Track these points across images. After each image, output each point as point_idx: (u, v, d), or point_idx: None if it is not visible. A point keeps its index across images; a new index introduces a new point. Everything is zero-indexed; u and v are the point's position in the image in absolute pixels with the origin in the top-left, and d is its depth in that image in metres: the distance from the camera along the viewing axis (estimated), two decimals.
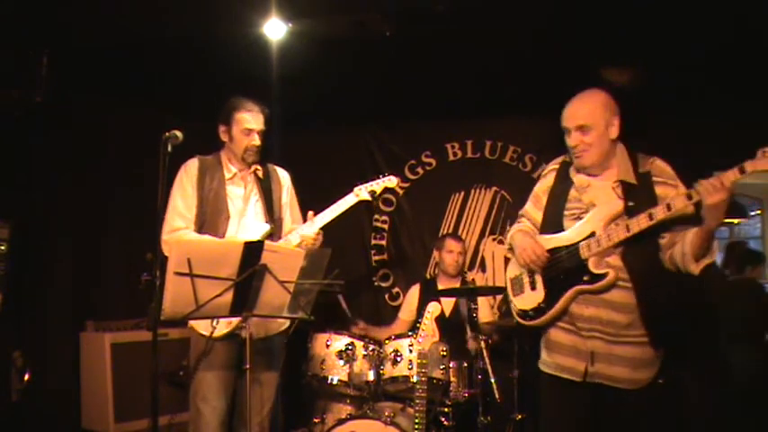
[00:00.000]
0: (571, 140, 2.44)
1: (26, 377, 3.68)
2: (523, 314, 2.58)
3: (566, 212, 2.49)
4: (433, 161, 5.13)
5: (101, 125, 4.34)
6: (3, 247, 3.67)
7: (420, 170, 5.15)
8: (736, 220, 8.51)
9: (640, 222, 2.26)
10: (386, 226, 5.20)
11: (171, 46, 3.63)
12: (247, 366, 2.61)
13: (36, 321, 3.97)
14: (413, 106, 4.78)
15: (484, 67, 4.11)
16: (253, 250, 2.46)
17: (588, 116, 2.40)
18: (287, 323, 3.09)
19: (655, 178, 2.37)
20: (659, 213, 2.24)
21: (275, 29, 3.48)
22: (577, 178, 2.49)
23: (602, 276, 2.33)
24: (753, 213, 9.42)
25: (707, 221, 2.20)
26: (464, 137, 5.05)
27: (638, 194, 2.34)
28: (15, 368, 3.68)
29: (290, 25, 3.46)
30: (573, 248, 2.40)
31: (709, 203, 2.16)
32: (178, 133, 2.60)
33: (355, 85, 4.37)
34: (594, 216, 2.38)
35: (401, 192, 5.13)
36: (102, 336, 4.03)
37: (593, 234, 2.36)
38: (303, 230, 3.01)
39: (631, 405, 2.33)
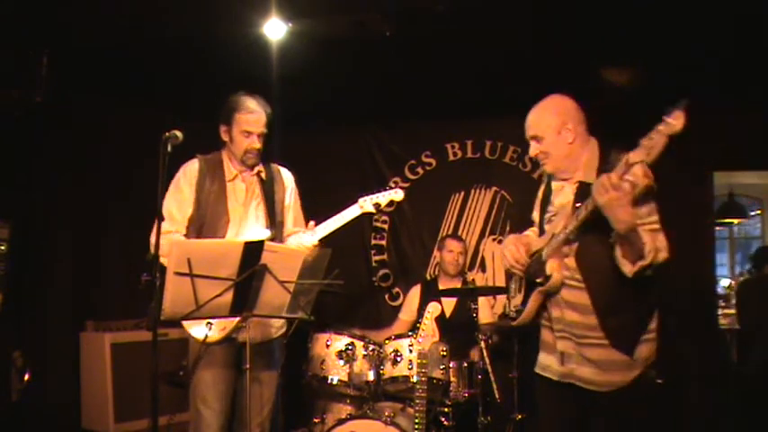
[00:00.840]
0: (530, 151, 2.48)
1: (26, 377, 3.68)
2: (509, 315, 2.66)
3: (545, 216, 2.54)
4: (433, 161, 5.13)
5: (101, 125, 4.35)
6: (3, 247, 3.68)
7: (420, 170, 5.15)
8: (736, 220, 8.53)
9: (572, 222, 2.25)
10: (386, 226, 5.20)
11: (171, 46, 3.63)
12: (247, 366, 2.61)
13: (36, 321, 3.97)
14: (413, 106, 4.78)
15: (484, 67, 4.11)
16: (253, 250, 2.45)
17: (536, 126, 2.43)
18: (285, 327, 3.04)
19: None
20: (581, 213, 2.20)
21: (275, 29, 3.48)
22: (554, 183, 2.52)
23: (549, 278, 2.36)
24: (753, 213, 9.44)
25: (612, 224, 2.09)
26: (464, 137, 5.06)
27: (586, 194, 2.27)
28: (15, 368, 3.68)
29: (290, 25, 3.46)
30: (540, 251, 2.45)
31: (599, 204, 2.06)
32: (178, 133, 2.58)
33: (355, 85, 4.37)
34: (558, 219, 2.42)
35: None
36: (102, 336, 4.03)
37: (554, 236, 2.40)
38: (302, 239, 2.94)
39: (605, 407, 2.31)
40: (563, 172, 2.44)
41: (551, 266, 2.35)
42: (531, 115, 2.46)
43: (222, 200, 2.95)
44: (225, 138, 3.01)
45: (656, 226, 2.21)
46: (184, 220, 2.92)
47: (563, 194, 2.45)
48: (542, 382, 2.48)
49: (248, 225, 2.97)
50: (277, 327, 3.01)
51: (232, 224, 2.94)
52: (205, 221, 2.92)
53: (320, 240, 2.96)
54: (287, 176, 3.16)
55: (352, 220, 3.04)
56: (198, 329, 2.80)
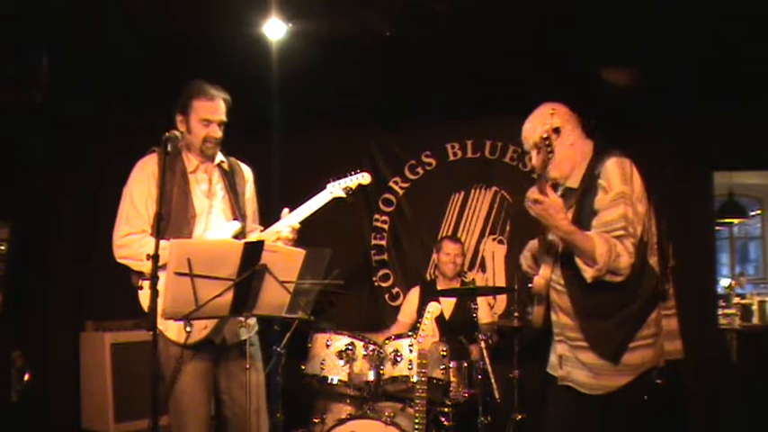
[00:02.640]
0: (529, 160, 2.57)
1: (26, 377, 3.68)
2: (526, 317, 2.77)
3: None
4: (433, 161, 5.13)
5: (101, 125, 4.34)
6: (3, 247, 3.68)
7: (420, 170, 5.15)
8: (736, 220, 8.53)
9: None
10: (386, 226, 5.20)
11: (171, 46, 3.63)
12: (248, 366, 2.62)
13: (36, 321, 3.97)
14: (413, 106, 4.78)
15: (484, 67, 4.11)
16: (253, 250, 2.45)
17: (528, 137, 2.49)
18: (256, 328, 2.95)
19: (599, 180, 2.32)
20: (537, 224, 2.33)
21: (275, 29, 3.48)
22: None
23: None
24: (753, 213, 9.44)
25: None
26: (464, 137, 5.05)
27: (569, 199, 2.36)
28: (15, 368, 3.67)
29: (290, 25, 3.47)
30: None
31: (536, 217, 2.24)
32: (178, 133, 2.59)
33: (355, 85, 4.37)
34: None
35: (401, 192, 5.13)
36: (102, 336, 4.03)
37: None
38: (277, 228, 2.85)
39: (601, 410, 2.31)
40: (556, 179, 2.48)
41: (542, 271, 2.42)
42: (524, 127, 2.53)
43: (186, 193, 2.82)
44: (182, 128, 2.85)
45: (621, 233, 2.20)
46: (150, 218, 2.77)
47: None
48: (552, 381, 2.51)
49: (215, 218, 2.87)
50: (249, 326, 2.85)
51: (199, 218, 2.82)
52: (170, 217, 2.77)
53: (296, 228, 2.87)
54: (246, 170, 3.06)
55: (324, 206, 2.97)
56: (176, 332, 2.71)
